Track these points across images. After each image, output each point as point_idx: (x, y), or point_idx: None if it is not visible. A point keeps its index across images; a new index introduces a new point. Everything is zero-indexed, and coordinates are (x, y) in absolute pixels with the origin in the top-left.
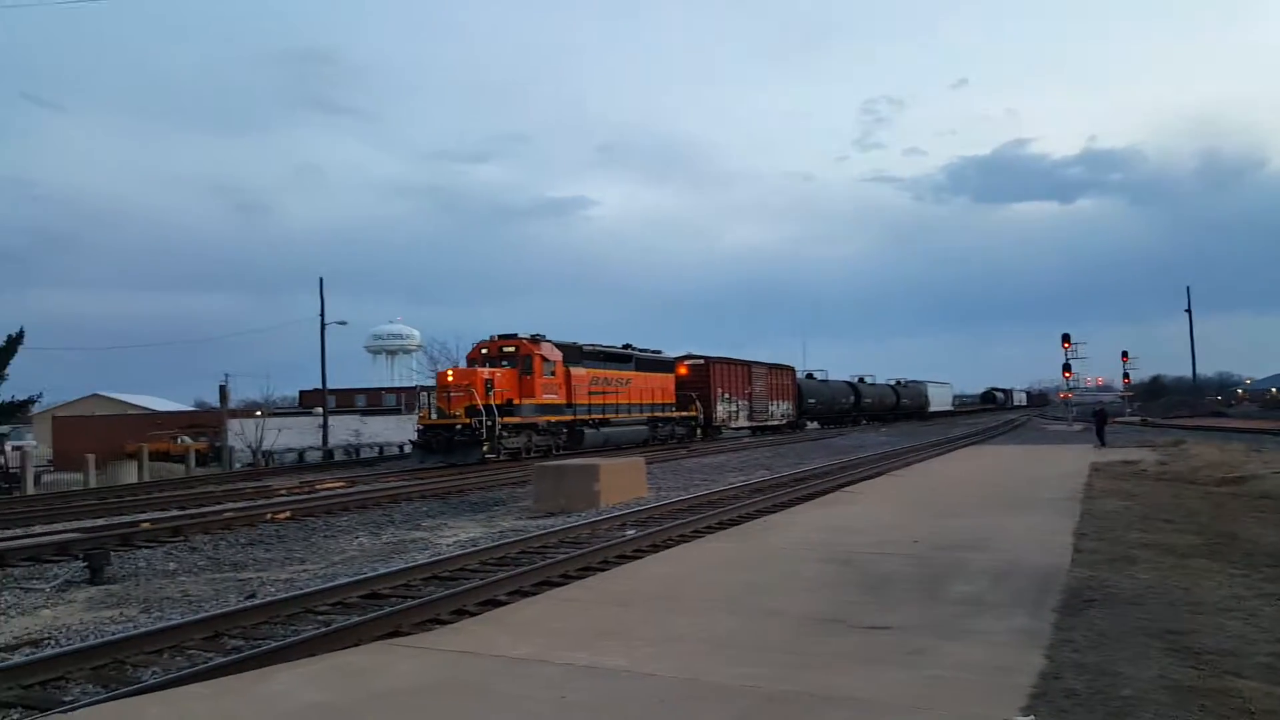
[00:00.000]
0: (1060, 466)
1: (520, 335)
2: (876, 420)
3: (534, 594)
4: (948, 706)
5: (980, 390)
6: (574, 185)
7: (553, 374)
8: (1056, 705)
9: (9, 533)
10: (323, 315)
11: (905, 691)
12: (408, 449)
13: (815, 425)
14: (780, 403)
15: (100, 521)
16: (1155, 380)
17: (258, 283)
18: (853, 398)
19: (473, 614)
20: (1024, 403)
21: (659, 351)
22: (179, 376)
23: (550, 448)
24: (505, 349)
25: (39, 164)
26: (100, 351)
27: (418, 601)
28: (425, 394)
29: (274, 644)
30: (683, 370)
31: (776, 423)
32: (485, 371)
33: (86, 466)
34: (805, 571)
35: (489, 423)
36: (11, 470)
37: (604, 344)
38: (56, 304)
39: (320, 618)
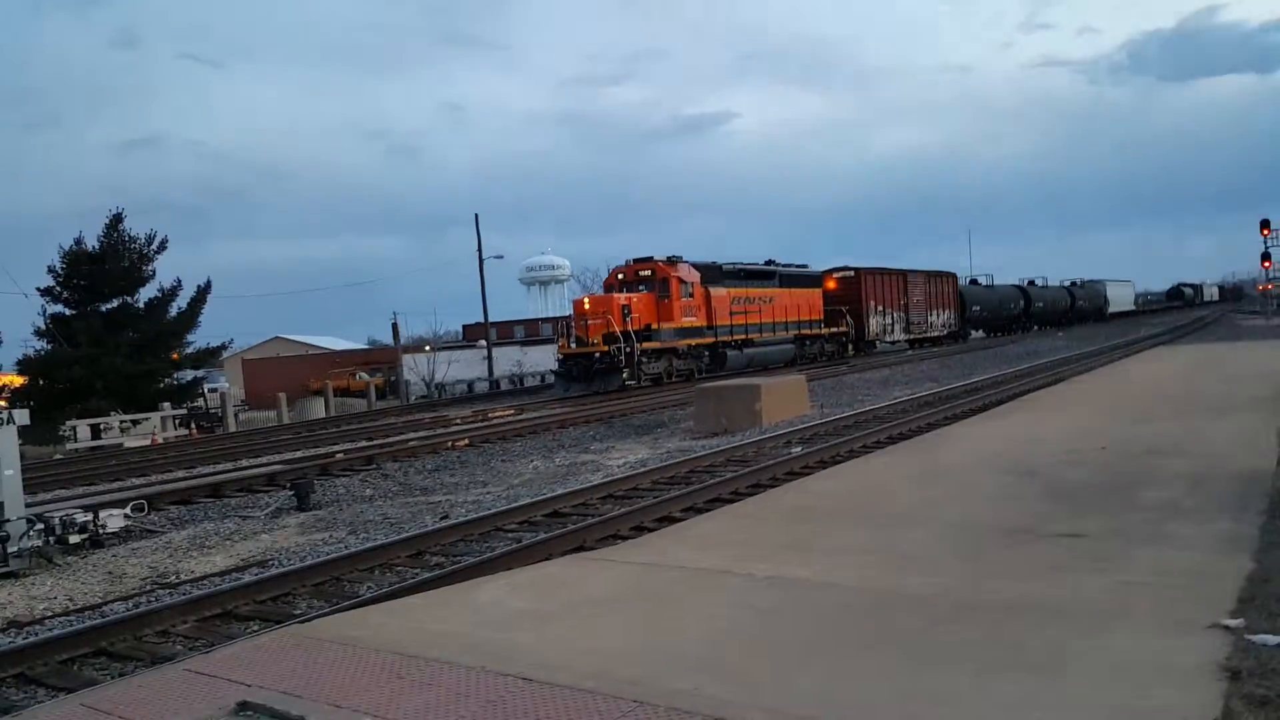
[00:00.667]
0: (1258, 365)
1: (656, 258)
2: (1051, 326)
3: (708, 510)
4: (1148, 612)
5: (1166, 287)
6: (714, 99)
7: (691, 296)
8: (1268, 609)
9: (220, 467)
10: (480, 251)
11: (1101, 598)
12: None
13: (980, 334)
14: (940, 312)
15: (299, 454)
16: None
17: (417, 223)
18: (1022, 303)
19: (651, 529)
20: (1215, 298)
21: (804, 266)
22: (352, 316)
23: (692, 371)
24: (641, 273)
25: (205, 122)
26: (278, 296)
27: (598, 519)
28: (564, 323)
29: (472, 559)
30: (831, 284)
31: (937, 334)
32: (621, 297)
33: (279, 404)
34: (985, 483)
35: (628, 349)
36: (212, 410)
37: (745, 262)
38: (235, 254)
39: (510, 535)
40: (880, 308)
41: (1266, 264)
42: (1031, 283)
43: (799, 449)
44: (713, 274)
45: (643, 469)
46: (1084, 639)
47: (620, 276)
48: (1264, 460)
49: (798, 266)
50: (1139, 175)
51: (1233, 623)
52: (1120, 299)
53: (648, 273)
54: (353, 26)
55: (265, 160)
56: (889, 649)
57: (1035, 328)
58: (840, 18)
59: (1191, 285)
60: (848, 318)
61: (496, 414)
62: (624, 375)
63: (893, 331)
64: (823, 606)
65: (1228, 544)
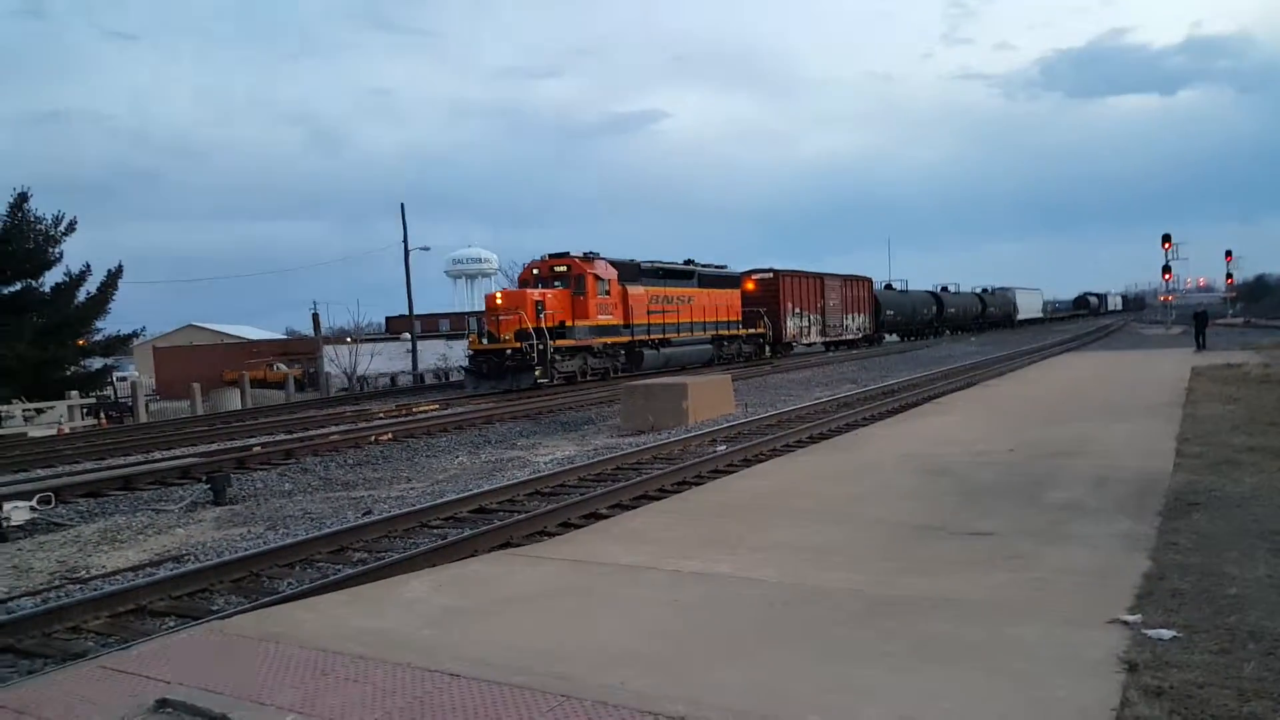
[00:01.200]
0: (1159, 371)
1: (573, 254)
2: (962, 331)
3: (634, 507)
4: (1054, 608)
5: (1073, 296)
6: (646, 98)
7: (608, 293)
8: (1163, 605)
9: (131, 459)
10: (406, 242)
11: (1010, 594)
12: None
13: (895, 338)
14: (856, 316)
15: (214, 446)
16: (1260, 280)
17: (340, 210)
18: (935, 308)
19: (578, 526)
20: (1119, 307)
21: (723, 267)
22: (270, 305)
23: (607, 370)
24: (557, 269)
25: (114, 97)
26: (193, 283)
27: (525, 515)
28: (474, 319)
29: (396, 555)
30: (750, 285)
31: (852, 337)
32: (535, 293)
33: (192, 394)
34: (901, 482)
35: (540, 346)
36: (122, 400)
37: (664, 261)
38: (147, 237)
39: (435, 531)
40: (798, 310)
41: (1167, 276)
42: (945, 289)
43: (724, 447)
44: (631, 272)
45: (570, 465)
46: (993, 632)
47: (536, 272)
48: (1162, 463)
49: (716, 267)
50: (1048, 187)
51: (1131, 618)
52: (1029, 306)
53: (563, 269)
54: (276, 7)
55: (181, 140)
56: (809, 643)
57: (947, 333)
58: (769, 24)
59: (1097, 294)
60: (765, 319)
61: (421, 408)
62: (536, 373)
63: (809, 334)
64: (745, 601)
65: (1127, 542)
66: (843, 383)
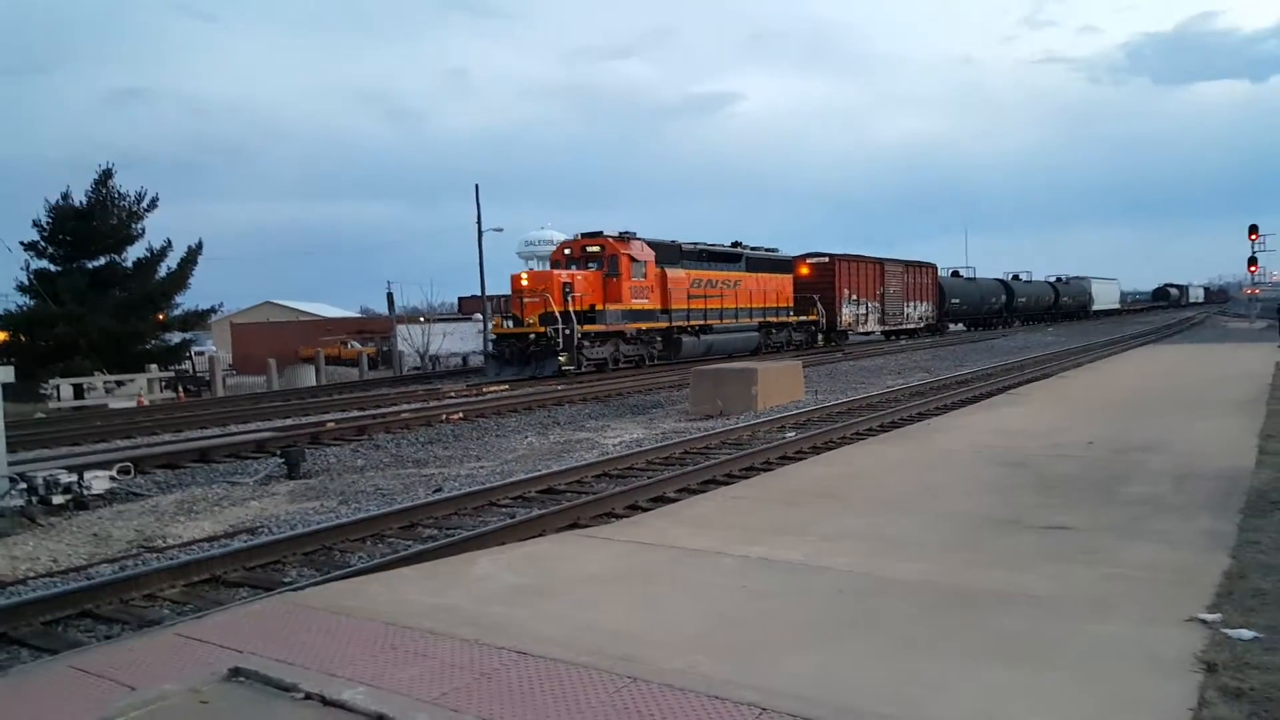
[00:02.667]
0: (1241, 366)
1: (606, 233)
2: (1034, 321)
3: (701, 492)
4: (1130, 604)
5: (1152, 287)
6: (721, 79)
7: (643, 276)
8: (1244, 605)
9: (209, 432)
10: (479, 223)
11: (1086, 589)
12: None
13: (960, 328)
14: (918, 304)
15: (289, 421)
16: None
17: (415, 190)
18: (1004, 297)
19: (645, 509)
20: (1201, 299)
21: (774, 250)
22: (345, 283)
23: (642, 358)
24: (589, 249)
25: (200, 77)
26: (270, 259)
27: (593, 496)
28: (502, 300)
29: (466, 533)
30: (804, 270)
31: (913, 326)
32: (563, 274)
33: (268, 370)
34: (976, 473)
35: (567, 331)
36: (200, 374)
37: (708, 243)
38: (226, 214)
39: (504, 510)
40: (855, 296)
41: (1253, 268)
42: (1015, 277)
43: (793, 434)
44: (671, 254)
45: (638, 448)
46: (1068, 629)
47: (567, 252)
48: (1244, 460)
49: (767, 250)
50: (1131, 175)
51: (1210, 617)
52: (1105, 297)
53: (596, 249)
54: None
55: (260, 118)
56: (880, 633)
57: (1017, 323)
58: (844, 4)
59: (1177, 286)
60: (819, 306)
61: (491, 388)
62: (561, 360)
63: (867, 322)
64: (815, 590)
65: (1208, 540)
66: (915, 371)
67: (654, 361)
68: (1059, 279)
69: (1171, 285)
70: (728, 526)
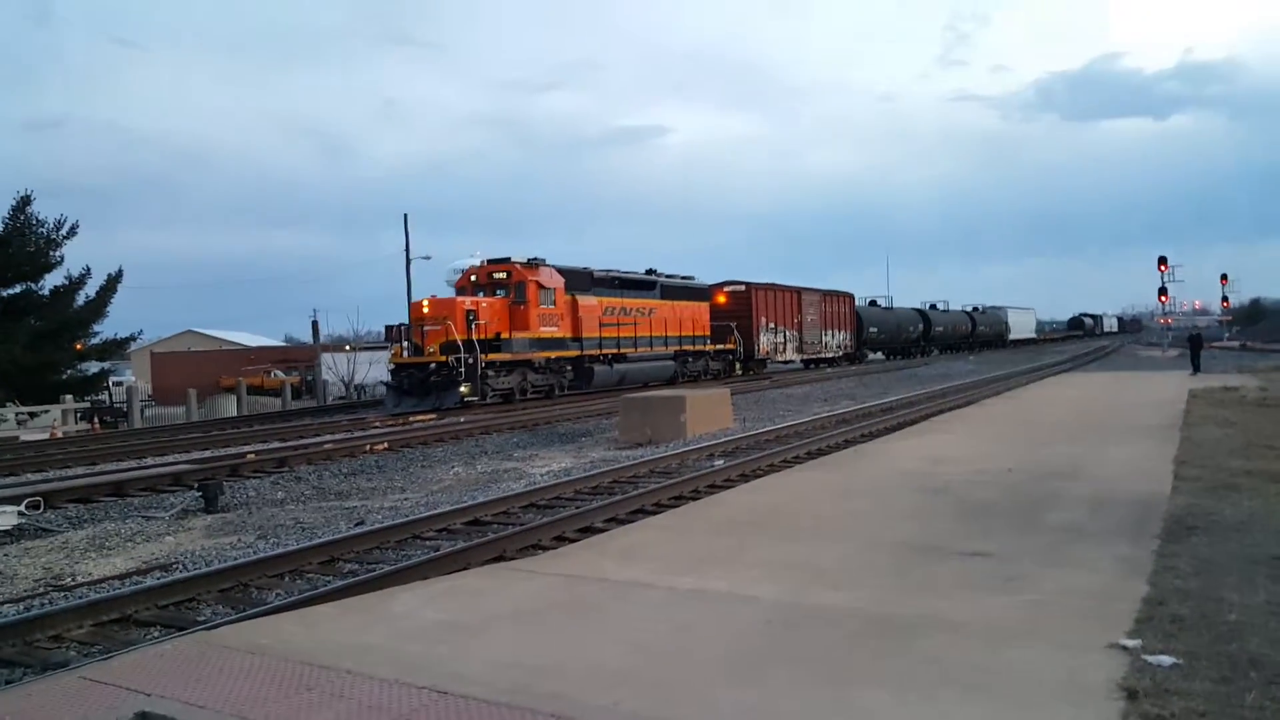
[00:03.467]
0: (1155, 394)
1: (514, 259)
2: (951, 350)
3: (630, 522)
4: (1052, 631)
5: (1068, 317)
6: (648, 113)
7: (553, 303)
8: (1163, 630)
9: (124, 465)
10: (408, 251)
11: (1008, 616)
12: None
13: (879, 357)
14: (836, 333)
15: (208, 453)
16: (1256, 303)
17: (344, 220)
18: (921, 326)
19: (573, 540)
20: (1115, 329)
21: (690, 278)
22: (269, 313)
23: (552, 388)
24: (496, 275)
25: (127, 106)
26: (192, 289)
27: (520, 528)
28: (399, 328)
29: (388, 568)
30: (721, 299)
31: (831, 355)
32: (467, 301)
33: (188, 400)
34: (900, 500)
35: (470, 360)
36: (117, 405)
37: (622, 270)
38: (149, 243)
39: (428, 543)
40: (772, 325)
41: (1164, 298)
42: (933, 306)
43: (721, 462)
44: (582, 280)
45: (566, 478)
46: (992, 655)
47: (474, 279)
48: (1160, 486)
49: (683, 278)
50: (1045, 209)
51: (1130, 643)
52: (1022, 326)
53: (503, 275)
54: (283, 18)
55: (184, 147)
56: (808, 664)
57: (935, 352)
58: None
59: (1092, 315)
60: (736, 334)
61: (417, 418)
62: (463, 390)
63: (785, 351)
64: (742, 620)
65: (1126, 566)
66: (841, 398)
67: (564, 391)
68: (975, 308)
69: (1086, 315)
70: (655, 557)
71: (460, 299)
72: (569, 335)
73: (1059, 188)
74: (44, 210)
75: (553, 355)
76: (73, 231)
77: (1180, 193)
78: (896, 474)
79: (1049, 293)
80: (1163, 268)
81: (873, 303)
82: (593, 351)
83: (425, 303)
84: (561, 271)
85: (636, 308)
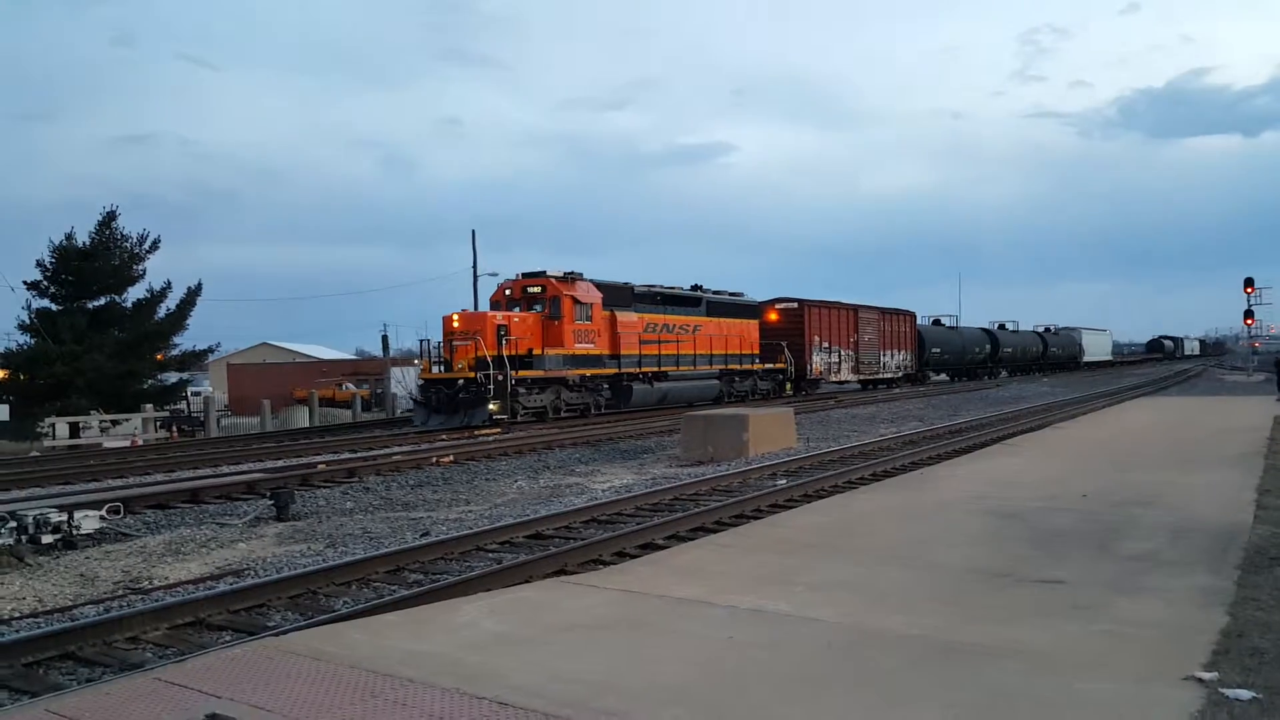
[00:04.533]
0: (1239, 419)
1: (550, 273)
2: (1020, 372)
3: (691, 539)
4: (1125, 661)
5: (1146, 339)
6: (710, 130)
7: (589, 319)
8: (1242, 664)
9: (200, 473)
10: (475, 267)
11: (1079, 645)
12: None
13: (943, 378)
14: (895, 353)
15: (281, 463)
16: None
17: (410, 235)
18: (989, 347)
19: (633, 556)
20: (1197, 352)
21: (739, 294)
22: (341, 325)
23: (587, 406)
24: (530, 290)
25: (199, 122)
26: (267, 302)
27: (581, 543)
28: (428, 342)
29: (451, 578)
30: (772, 316)
31: (890, 375)
32: (498, 315)
33: (262, 411)
34: (968, 524)
35: (500, 377)
36: (194, 414)
37: (665, 285)
38: (224, 256)
39: (490, 555)
40: (826, 344)
41: (1249, 321)
42: (1001, 326)
43: (784, 481)
44: (622, 296)
45: (627, 494)
46: (1061, 686)
47: (508, 293)
48: (1241, 515)
49: (731, 294)
50: (1125, 228)
51: (1207, 676)
52: (1096, 348)
53: (537, 289)
54: (353, 38)
55: (259, 163)
56: (868, 688)
57: (1004, 374)
58: (838, 58)
59: (1172, 338)
60: (787, 353)
61: (482, 431)
62: (492, 408)
63: (840, 371)
64: (803, 641)
65: (1204, 597)
66: (908, 419)
67: (600, 410)
68: (1047, 329)
69: (1166, 337)
70: (716, 575)
71: (491, 314)
72: (606, 352)
73: (1141, 208)
74: (128, 225)
75: (588, 373)
76: (155, 246)
77: (1270, 212)
78: (965, 497)
79: (1127, 315)
80: (1249, 290)
81: (936, 322)
82: (631, 369)
83: (455, 317)
84: (600, 286)
85: (680, 324)
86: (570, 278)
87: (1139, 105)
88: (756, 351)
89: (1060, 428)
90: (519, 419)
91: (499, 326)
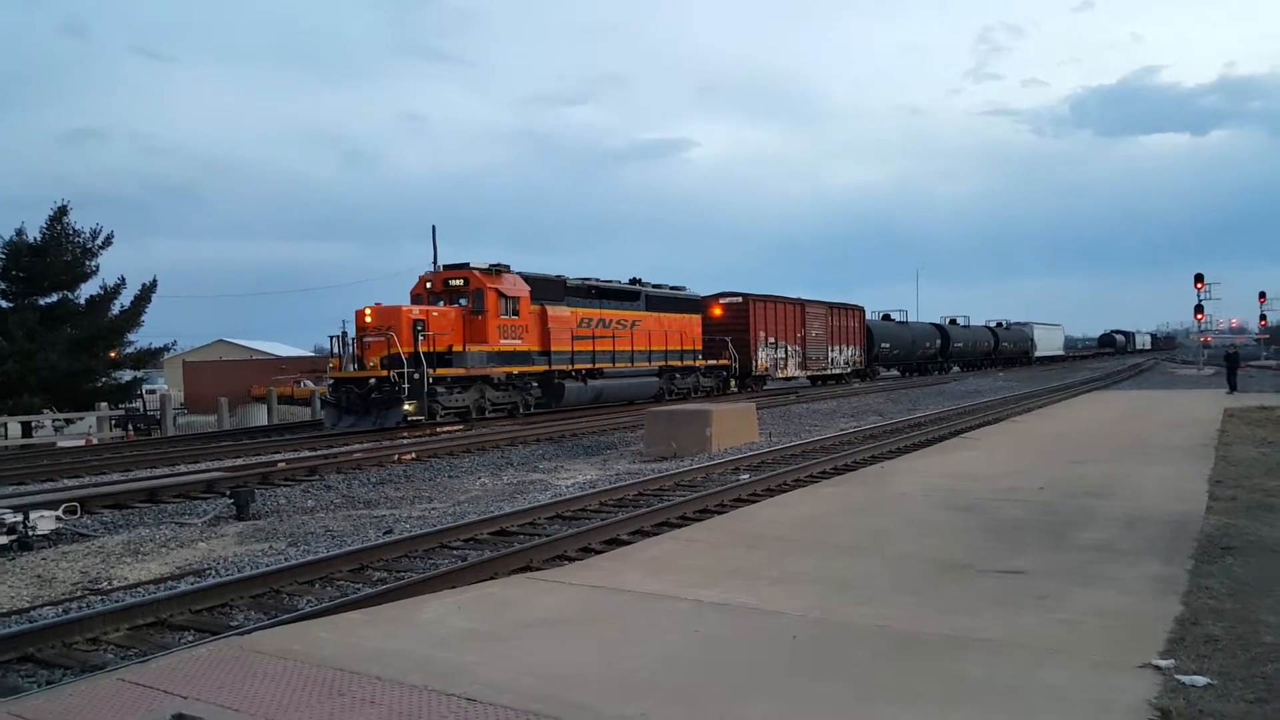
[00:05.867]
0: (1190, 412)
1: (473, 265)
2: (971, 368)
3: (655, 534)
4: (1084, 650)
5: (1098, 334)
6: (673, 127)
7: (515, 314)
8: (1197, 651)
9: (158, 472)
10: (435, 263)
11: (1039, 634)
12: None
13: (894, 374)
14: (844, 348)
15: (240, 461)
16: None
17: (370, 232)
18: (939, 342)
19: (598, 551)
20: (1148, 346)
21: (681, 288)
22: (299, 323)
23: (515, 405)
24: (452, 282)
25: (154, 116)
26: (223, 299)
27: (546, 539)
28: (338, 338)
29: (417, 576)
30: (716, 311)
31: (839, 371)
32: (414, 310)
33: (220, 409)
34: (929, 516)
35: (415, 375)
36: (150, 413)
37: (602, 279)
38: (180, 252)
39: (455, 552)
40: (772, 339)
41: (1200, 316)
42: (953, 321)
43: (747, 476)
44: (553, 290)
45: (591, 490)
46: (1022, 674)
47: (429, 286)
48: (1193, 505)
49: (673, 288)
50: (1078, 224)
51: (1163, 663)
52: (1049, 343)
53: (459, 282)
54: (313, 32)
55: (214, 157)
56: (835, 680)
57: (956, 369)
58: (796, 56)
59: (1124, 332)
60: (732, 349)
61: (444, 429)
62: (406, 409)
63: (786, 367)
64: (769, 634)
65: (1159, 585)
66: (868, 414)
67: (529, 409)
68: (999, 324)
69: (1118, 331)
70: (681, 570)
71: (407, 308)
72: (536, 349)
73: (1094, 204)
74: (80, 220)
75: (515, 370)
76: (108, 241)
77: (1218, 209)
78: (925, 490)
79: (1081, 310)
80: (1199, 285)
81: (886, 317)
82: (563, 366)
83: (368, 311)
84: (529, 279)
85: (617, 319)
86: (496, 270)
87: (1090, 103)
88: (699, 348)
89: (1016, 421)
90: (438, 420)
91: (415, 321)
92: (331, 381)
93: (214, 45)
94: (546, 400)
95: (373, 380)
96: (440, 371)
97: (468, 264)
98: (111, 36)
